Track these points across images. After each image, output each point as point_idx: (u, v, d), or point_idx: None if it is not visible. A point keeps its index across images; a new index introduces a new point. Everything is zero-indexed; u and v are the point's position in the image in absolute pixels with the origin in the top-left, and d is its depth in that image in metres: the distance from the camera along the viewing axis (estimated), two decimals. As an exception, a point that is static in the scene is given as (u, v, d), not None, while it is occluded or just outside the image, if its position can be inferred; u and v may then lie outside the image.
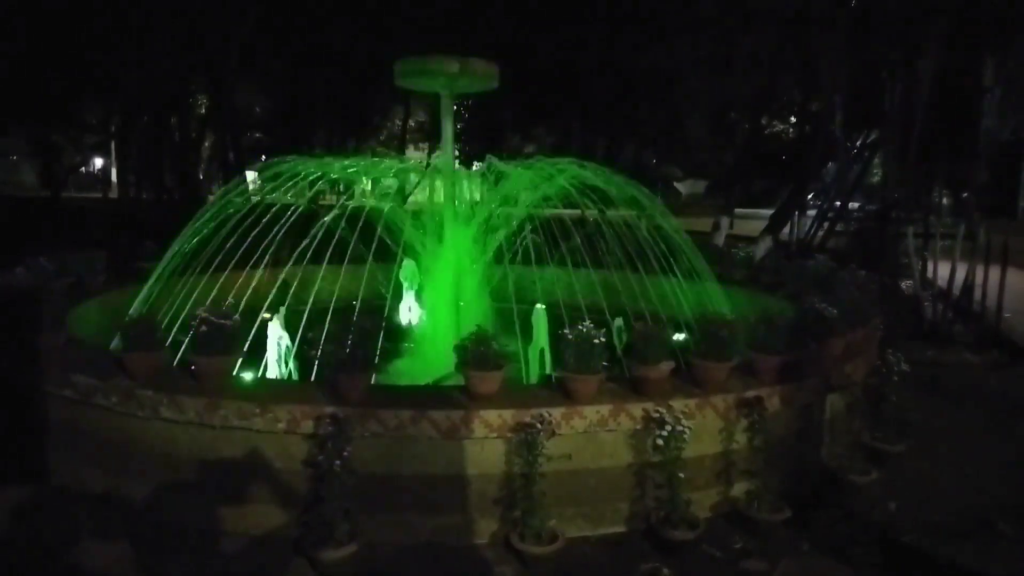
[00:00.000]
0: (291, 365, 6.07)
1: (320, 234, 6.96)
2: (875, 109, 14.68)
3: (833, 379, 5.46)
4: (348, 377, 4.32)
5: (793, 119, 31.94)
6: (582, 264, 7.96)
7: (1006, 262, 10.45)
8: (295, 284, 7.36)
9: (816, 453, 5.49)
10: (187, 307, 5.77)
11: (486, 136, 33.25)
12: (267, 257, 7.04)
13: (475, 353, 4.43)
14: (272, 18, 23.96)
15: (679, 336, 5.92)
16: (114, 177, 33.04)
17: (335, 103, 30.49)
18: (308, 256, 6.83)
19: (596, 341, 4.52)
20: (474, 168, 8.20)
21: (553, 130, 36.06)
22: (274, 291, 7.03)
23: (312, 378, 4.85)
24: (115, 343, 4.92)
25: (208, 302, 5.79)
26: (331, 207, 7.49)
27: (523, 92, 25.48)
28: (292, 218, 7.23)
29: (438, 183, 7.55)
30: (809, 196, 20.67)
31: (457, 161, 8.02)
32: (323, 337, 4.47)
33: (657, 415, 4.37)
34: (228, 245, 6.83)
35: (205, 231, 6.75)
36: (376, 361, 4.60)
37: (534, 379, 6.02)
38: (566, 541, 4.20)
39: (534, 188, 7.66)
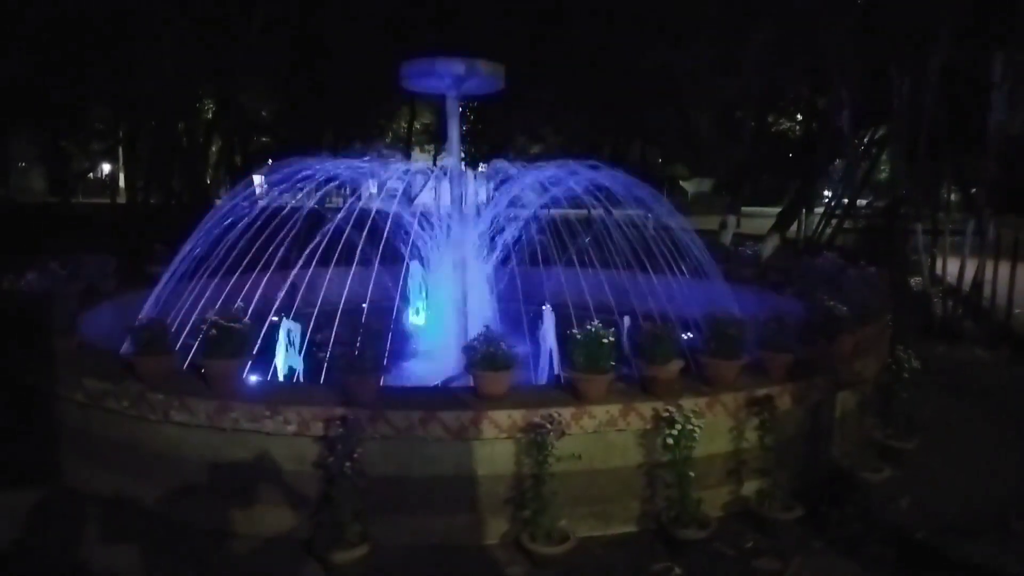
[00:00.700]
0: (300, 361, 6.05)
1: (328, 236, 6.98)
2: (883, 105, 14.59)
3: (843, 377, 5.44)
4: (358, 379, 4.33)
5: (800, 116, 31.78)
6: (590, 264, 7.96)
7: (1016, 258, 10.39)
8: (303, 287, 7.38)
9: (827, 451, 5.47)
10: (197, 310, 5.79)
11: (493, 137, 33.25)
12: (275, 261, 7.06)
13: (484, 354, 4.43)
14: (279, 19, 24.02)
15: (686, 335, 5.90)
16: (122, 183, 33.19)
17: (341, 106, 30.56)
18: (316, 258, 6.84)
19: (605, 341, 4.51)
20: (480, 169, 8.20)
21: (559, 131, 36.01)
22: (282, 294, 7.05)
23: (322, 380, 4.87)
24: (125, 347, 4.95)
25: (218, 305, 5.82)
26: (338, 209, 7.51)
27: (530, 93, 25.43)
28: (299, 221, 7.25)
29: (444, 185, 7.55)
30: (827, 195, 20.58)
31: (463, 163, 8.03)
32: (332, 339, 4.48)
33: (667, 414, 4.36)
34: (237, 249, 6.85)
35: (214, 234, 6.77)
36: (385, 363, 4.60)
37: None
38: (577, 541, 4.20)
39: (541, 189, 7.66)
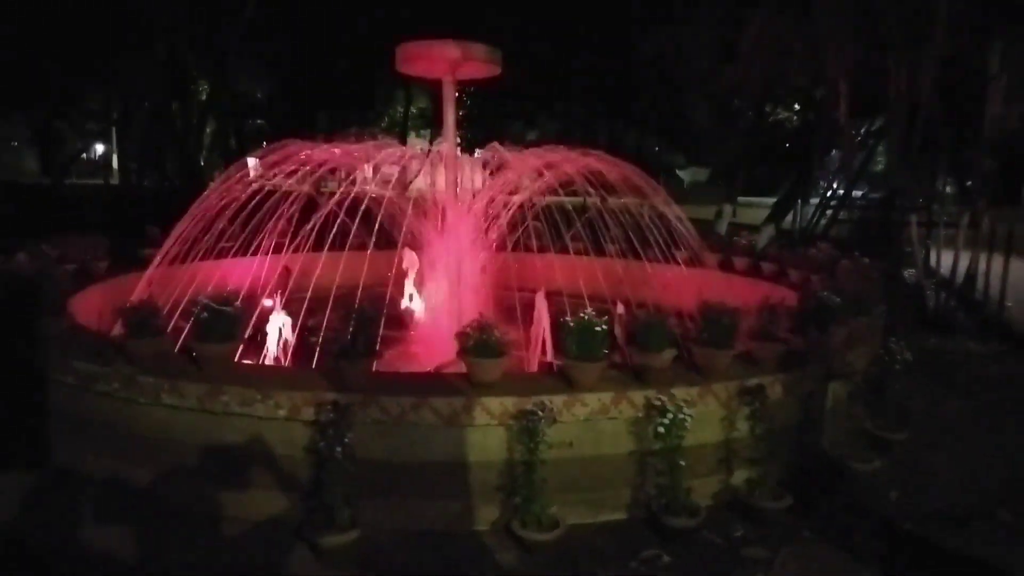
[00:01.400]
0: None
1: (321, 221, 6.95)
2: (879, 96, 14.58)
3: (835, 367, 5.46)
4: (350, 363, 4.32)
5: (797, 106, 31.73)
6: (583, 251, 7.94)
7: (1009, 251, 10.41)
8: (296, 271, 7.35)
9: (818, 441, 5.49)
10: (189, 293, 5.77)
11: (489, 123, 33.11)
12: (269, 245, 7.03)
13: (476, 340, 4.42)
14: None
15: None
16: (115, 164, 32.95)
17: (337, 88, 30.38)
18: (310, 242, 6.81)
19: (598, 329, 4.50)
20: (476, 155, 8.16)
21: (556, 117, 35.90)
22: (275, 277, 7.02)
23: (314, 364, 4.85)
24: (116, 329, 4.92)
25: (210, 288, 5.79)
26: (333, 193, 7.47)
27: (526, 78, 25.32)
28: (293, 204, 7.21)
29: (440, 170, 7.51)
30: (833, 185, 20.57)
31: (459, 148, 7.98)
32: (324, 324, 4.46)
33: (659, 403, 4.36)
34: (230, 231, 6.81)
35: (207, 216, 6.73)
36: (378, 348, 4.59)
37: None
38: (567, 528, 4.21)
39: (536, 175, 7.62)
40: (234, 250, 7.82)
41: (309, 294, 6.20)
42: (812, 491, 4.92)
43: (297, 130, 10.45)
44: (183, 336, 4.81)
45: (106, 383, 4.59)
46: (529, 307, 6.52)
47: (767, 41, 16.88)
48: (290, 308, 6.64)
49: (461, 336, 4.52)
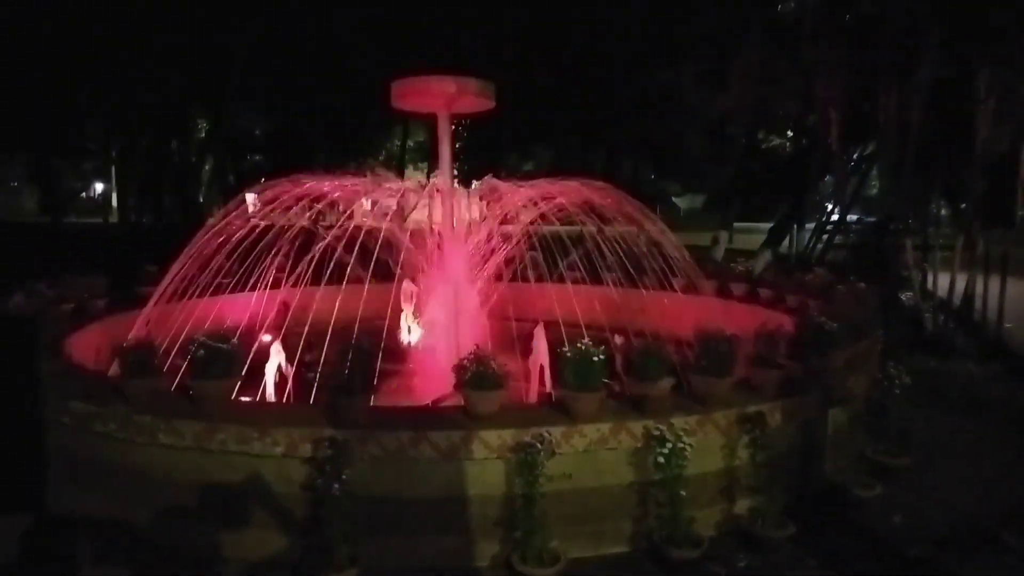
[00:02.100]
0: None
1: (318, 255, 6.97)
2: (871, 121, 14.74)
3: (835, 393, 5.44)
4: (347, 399, 4.30)
5: (790, 132, 32.05)
6: (581, 280, 7.96)
7: (1006, 272, 10.44)
8: (294, 305, 7.36)
9: (819, 468, 5.46)
10: (186, 330, 5.77)
11: (485, 154, 33.35)
12: (267, 280, 7.04)
13: (474, 373, 4.41)
14: (272, 37, 24.13)
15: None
16: (115, 202, 33.15)
17: (334, 124, 30.65)
18: (307, 276, 6.83)
19: (595, 359, 4.50)
20: (473, 187, 8.22)
21: (551, 147, 36.19)
22: (273, 312, 7.03)
23: (311, 400, 4.83)
24: (113, 369, 4.91)
25: (207, 324, 5.79)
26: (331, 227, 7.51)
27: (522, 110, 25.58)
28: (293, 239, 7.25)
29: (437, 202, 7.56)
30: (830, 210, 20.72)
31: (456, 180, 8.05)
32: (322, 359, 4.45)
33: (658, 432, 4.34)
34: (228, 267, 6.83)
35: (205, 254, 6.76)
36: (375, 382, 4.58)
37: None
38: (568, 562, 4.16)
39: (532, 206, 7.67)
40: (232, 286, 7.83)
41: (307, 328, 6.20)
42: (815, 519, 4.88)
43: (296, 165, 10.54)
44: (180, 374, 4.80)
45: (103, 423, 4.57)
46: (527, 337, 6.51)
47: (757, 69, 17.12)
48: (288, 343, 6.63)
49: (459, 368, 4.50)
